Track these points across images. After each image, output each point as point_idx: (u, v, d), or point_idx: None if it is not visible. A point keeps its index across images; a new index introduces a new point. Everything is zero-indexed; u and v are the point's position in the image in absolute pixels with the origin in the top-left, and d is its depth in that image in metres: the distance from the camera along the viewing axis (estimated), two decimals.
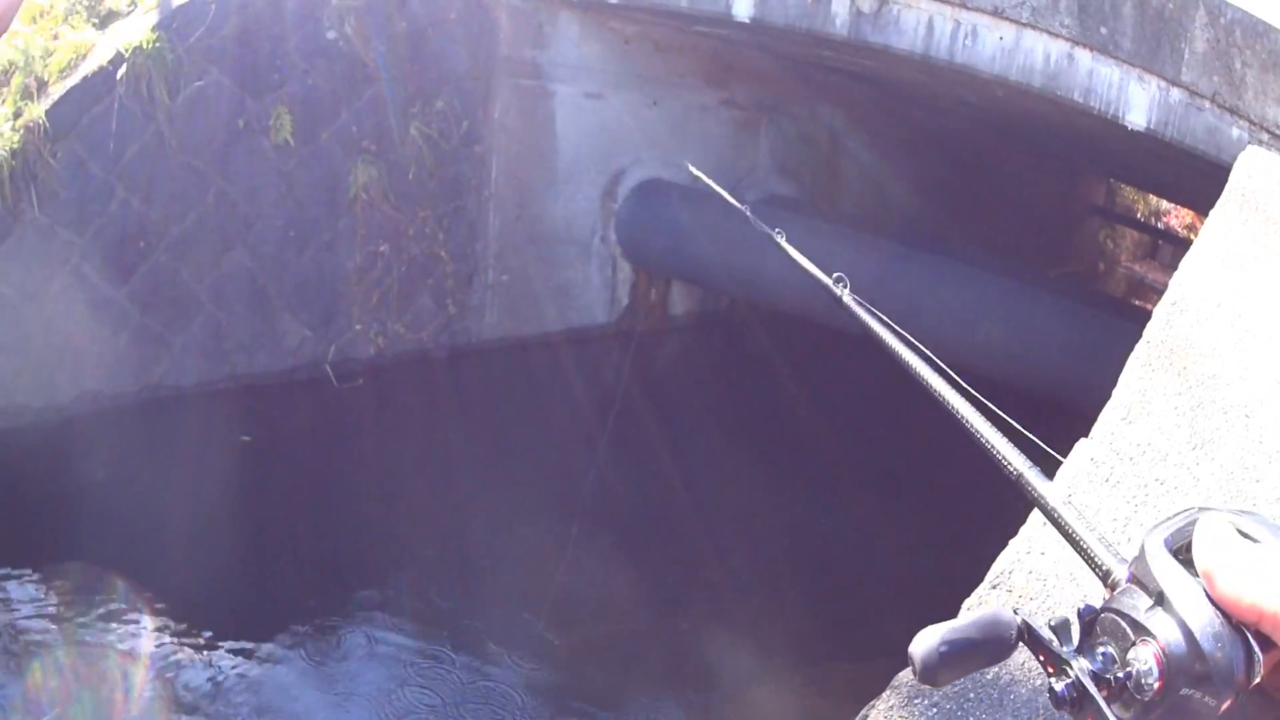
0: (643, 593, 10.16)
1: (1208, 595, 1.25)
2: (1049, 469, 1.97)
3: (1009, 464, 1.72)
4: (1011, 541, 4.58)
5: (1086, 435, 5.08)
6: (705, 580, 10.75)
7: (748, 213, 5.04)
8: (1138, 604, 1.30)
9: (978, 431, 1.89)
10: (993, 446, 1.80)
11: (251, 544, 9.90)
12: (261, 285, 11.67)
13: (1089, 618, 1.35)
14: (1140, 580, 1.32)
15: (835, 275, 3.56)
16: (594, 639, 9.89)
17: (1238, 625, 1.23)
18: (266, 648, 9.05)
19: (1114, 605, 1.33)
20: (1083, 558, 1.49)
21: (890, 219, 16.72)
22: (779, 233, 4.26)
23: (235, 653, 8.92)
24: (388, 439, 11.97)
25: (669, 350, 15.17)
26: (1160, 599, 1.28)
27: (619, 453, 12.74)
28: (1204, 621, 1.24)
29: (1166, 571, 1.29)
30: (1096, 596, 1.36)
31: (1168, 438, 5.06)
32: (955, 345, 11.47)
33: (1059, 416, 9.40)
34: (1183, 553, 1.31)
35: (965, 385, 2.13)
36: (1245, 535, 1.27)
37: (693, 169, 7.23)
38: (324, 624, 9.49)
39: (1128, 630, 1.29)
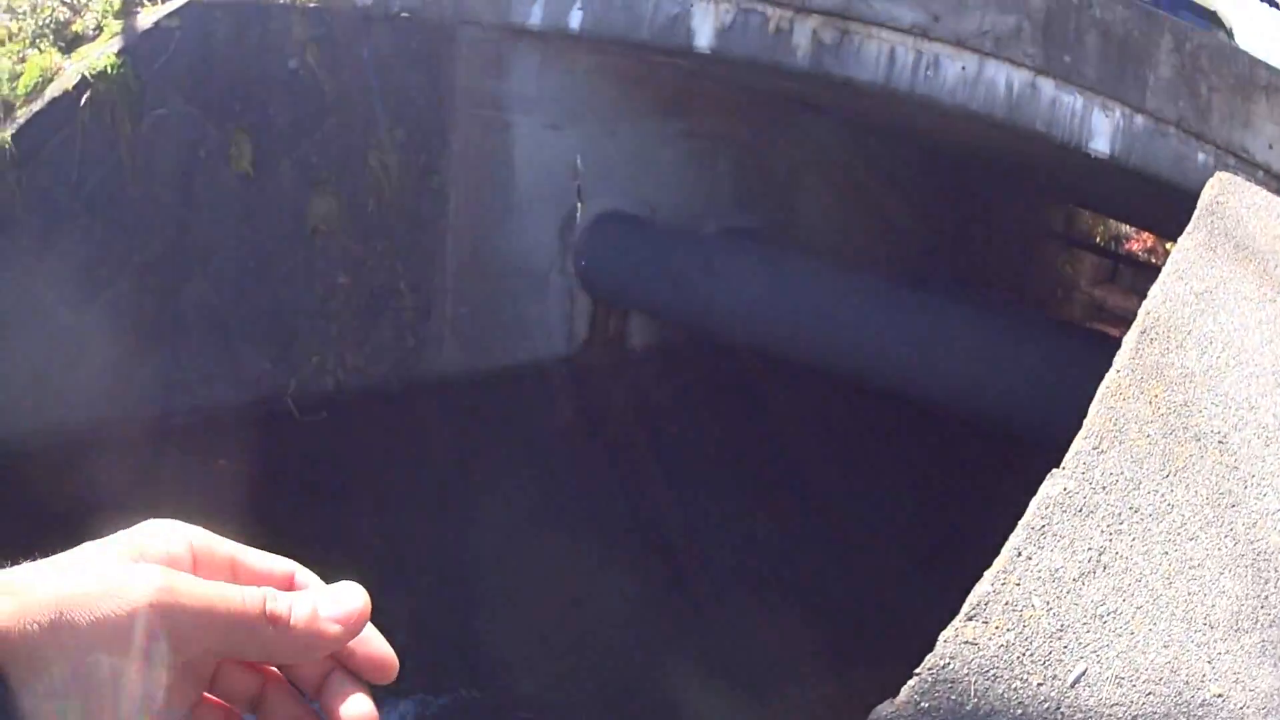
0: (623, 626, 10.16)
1: None
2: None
3: None
4: (987, 573, 4.57)
5: (1058, 465, 5.08)
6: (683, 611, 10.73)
7: None
8: None
9: None
10: None
11: None
12: (221, 316, 11.58)
13: None
14: None
15: None
16: (571, 666, 9.87)
17: None
18: None
19: None
20: None
21: (848, 250, 16.69)
22: None
23: None
24: (356, 472, 11.91)
25: (627, 382, 15.09)
26: None
27: (581, 485, 12.72)
28: None
29: None
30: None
31: (1140, 466, 5.06)
32: (920, 376, 11.52)
33: (1023, 446, 9.41)
34: None
35: None
36: None
37: None
38: None
39: None
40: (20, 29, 11.06)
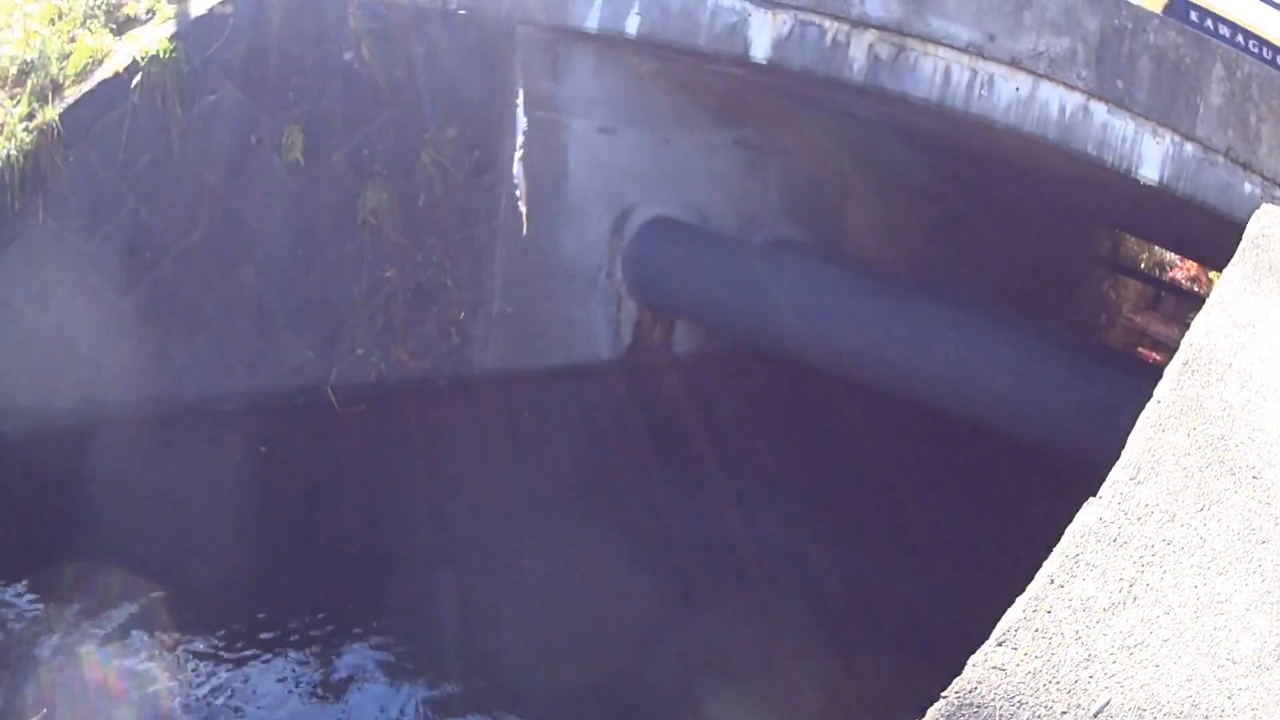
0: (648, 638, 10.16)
1: None
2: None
3: None
4: (1019, 598, 4.57)
5: (1094, 494, 5.08)
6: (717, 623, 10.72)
7: None
8: None
9: None
10: None
11: (248, 564, 9.84)
12: (266, 303, 11.64)
13: None
14: None
15: None
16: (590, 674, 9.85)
17: None
18: (252, 667, 9.03)
19: None
20: None
21: (898, 265, 16.64)
22: None
23: (215, 674, 8.88)
24: (390, 468, 11.94)
25: (671, 389, 15.05)
26: None
27: (620, 491, 12.69)
28: None
29: None
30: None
31: (1176, 498, 5.06)
32: (965, 395, 11.49)
33: (1064, 473, 9.38)
34: None
35: None
36: None
37: None
38: (314, 642, 9.45)
39: None
40: (71, 9, 11.12)
